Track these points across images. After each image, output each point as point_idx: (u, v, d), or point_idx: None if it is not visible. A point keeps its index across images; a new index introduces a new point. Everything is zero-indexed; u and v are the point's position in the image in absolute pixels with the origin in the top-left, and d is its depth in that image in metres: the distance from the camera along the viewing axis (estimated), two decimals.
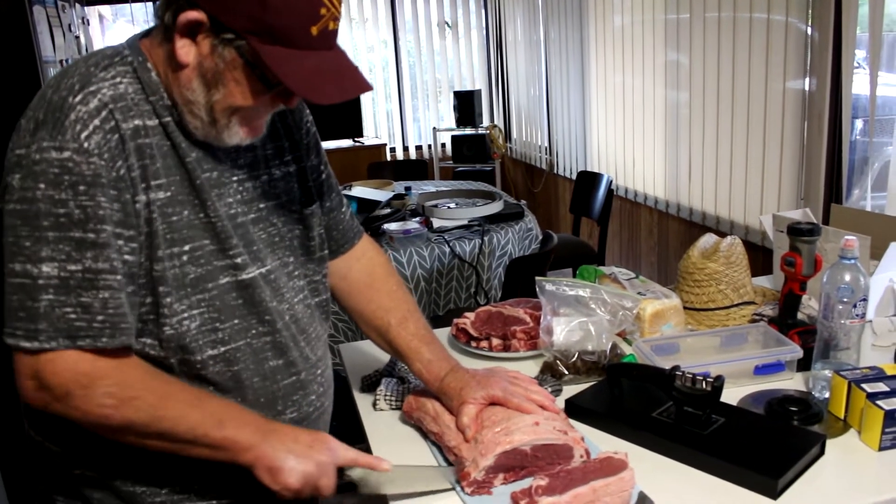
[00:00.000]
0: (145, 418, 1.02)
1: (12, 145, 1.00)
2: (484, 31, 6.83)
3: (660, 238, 4.32)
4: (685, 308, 1.77)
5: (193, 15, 0.99)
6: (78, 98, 1.00)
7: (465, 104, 6.27)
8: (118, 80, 1.04)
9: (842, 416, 1.32)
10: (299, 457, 1.08)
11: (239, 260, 1.13)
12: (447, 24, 6.70)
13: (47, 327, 0.98)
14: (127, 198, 1.02)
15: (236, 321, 1.13)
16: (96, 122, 0.99)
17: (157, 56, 1.07)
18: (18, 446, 2.53)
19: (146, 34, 1.10)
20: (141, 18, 5.96)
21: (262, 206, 1.19)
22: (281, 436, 1.09)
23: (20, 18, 2.62)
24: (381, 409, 1.47)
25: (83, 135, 0.98)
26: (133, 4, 5.88)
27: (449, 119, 6.69)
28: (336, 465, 1.11)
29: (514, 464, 1.18)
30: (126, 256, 1.02)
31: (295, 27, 0.98)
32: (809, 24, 2.90)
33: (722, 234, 1.88)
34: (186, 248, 1.08)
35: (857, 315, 1.39)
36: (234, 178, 1.15)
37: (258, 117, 1.11)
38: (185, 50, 1.02)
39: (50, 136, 0.97)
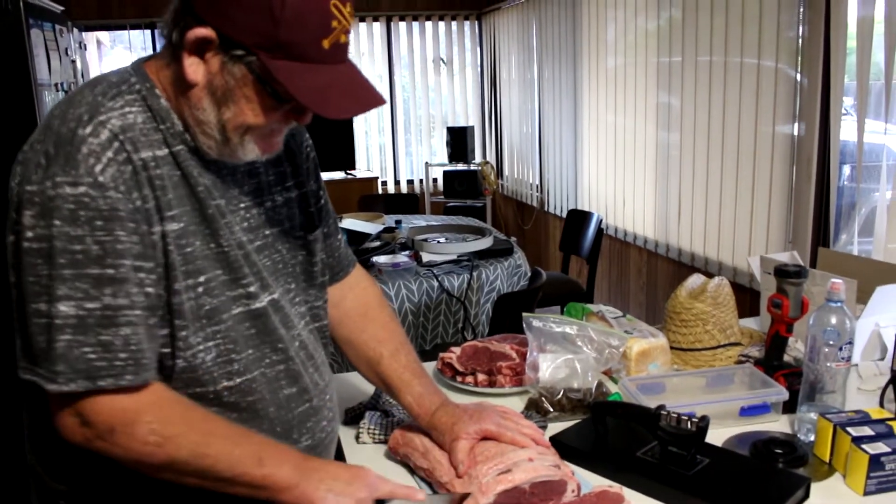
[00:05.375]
0: (187, 455, 1.01)
1: (20, 179, 0.98)
2: (478, 69, 6.91)
3: (648, 278, 4.33)
4: (672, 348, 1.76)
5: (202, 32, 0.97)
6: (88, 130, 0.98)
7: (458, 140, 6.31)
8: (126, 109, 1.02)
9: (827, 460, 1.31)
10: (339, 495, 1.06)
11: (252, 289, 1.11)
12: (442, 60, 6.77)
13: (65, 369, 0.96)
14: (144, 229, 1.00)
15: (251, 351, 1.12)
16: (109, 154, 0.98)
17: (165, 78, 1.05)
18: (12, 474, 2.48)
19: (151, 57, 1.09)
20: (139, 45, 6.00)
21: (266, 232, 1.17)
22: (321, 473, 1.07)
23: (17, 41, 2.63)
24: (364, 443, 1.45)
25: (97, 168, 0.96)
26: (131, 32, 5.93)
27: (441, 154, 6.73)
28: (374, 497, 1.09)
29: (511, 501, 1.17)
30: (148, 289, 1.01)
31: (306, 41, 0.97)
32: (799, 70, 2.94)
33: (710, 275, 1.89)
34: (202, 279, 1.06)
35: (842, 358, 1.39)
36: (242, 206, 1.14)
37: (273, 134, 1.09)
38: (194, 68, 1.00)
39: (63, 171, 0.95)
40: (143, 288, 1.00)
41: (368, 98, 1.04)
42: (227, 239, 1.09)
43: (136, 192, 0.99)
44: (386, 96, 6.59)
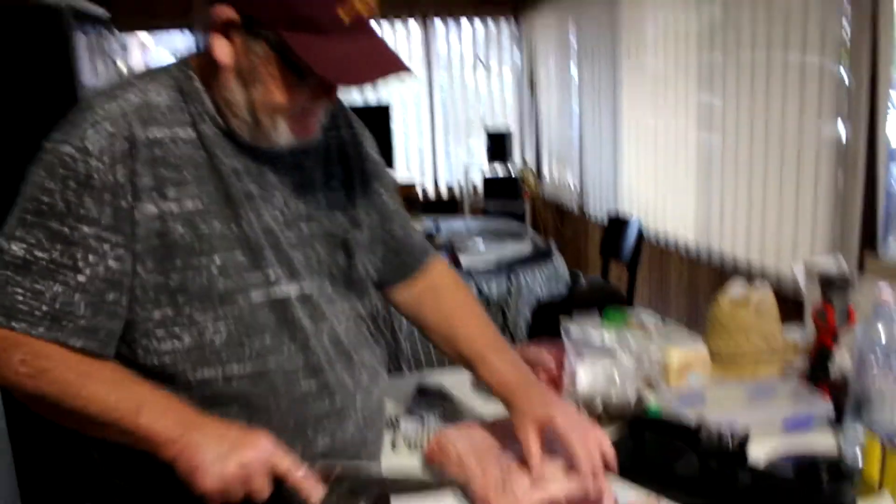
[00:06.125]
0: (57, 393, 1.00)
1: None
2: (518, 69, 6.87)
3: (690, 284, 4.26)
4: (713, 357, 1.72)
5: (225, 12, 1.01)
6: (101, 101, 1.04)
7: (497, 145, 6.26)
8: (152, 88, 1.08)
9: (876, 478, 1.26)
10: (220, 456, 0.97)
11: (273, 276, 1.11)
12: (481, 61, 6.74)
13: None
14: (122, 204, 1.02)
15: (267, 338, 1.10)
16: (108, 125, 1.03)
17: (202, 64, 1.09)
18: (35, 452, 2.53)
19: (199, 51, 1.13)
20: (182, 47, 6.07)
21: (303, 227, 1.16)
22: (207, 430, 1.00)
23: (61, 45, 2.67)
24: (400, 451, 1.44)
25: (88, 133, 1.01)
26: (175, 33, 5.98)
27: (481, 156, 6.70)
28: (267, 467, 1.00)
29: None
30: (111, 262, 1.03)
31: (321, 12, 1.00)
32: (845, 66, 2.86)
33: (752, 280, 1.84)
34: (217, 259, 1.07)
35: (892, 371, 1.34)
36: (279, 196, 1.14)
37: (306, 115, 1.10)
38: (221, 49, 1.04)
39: (64, 132, 1.03)
40: (104, 259, 1.02)
41: (389, 65, 1.05)
42: (252, 223, 1.09)
43: (123, 168, 1.02)
44: (424, 98, 6.62)
